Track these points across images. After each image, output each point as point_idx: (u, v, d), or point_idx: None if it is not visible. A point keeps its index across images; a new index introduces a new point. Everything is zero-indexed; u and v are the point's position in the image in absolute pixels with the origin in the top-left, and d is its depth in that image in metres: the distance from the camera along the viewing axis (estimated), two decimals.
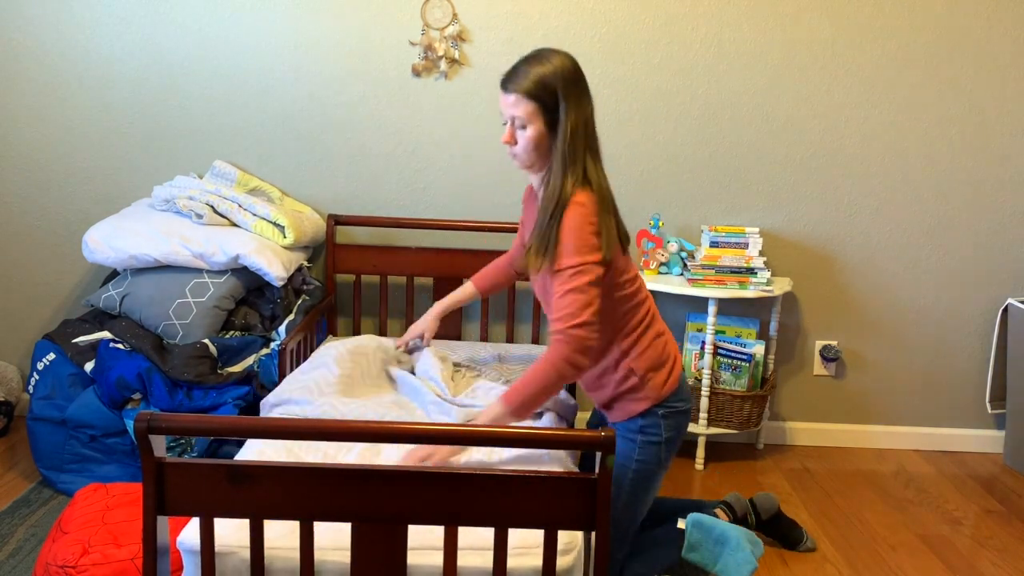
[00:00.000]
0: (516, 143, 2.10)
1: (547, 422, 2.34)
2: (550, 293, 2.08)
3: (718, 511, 2.60)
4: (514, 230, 3.25)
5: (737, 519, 2.62)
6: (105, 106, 3.29)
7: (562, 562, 1.71)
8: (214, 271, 2.93)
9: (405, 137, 3.31)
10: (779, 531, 2.71)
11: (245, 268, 2.94)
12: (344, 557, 1.69)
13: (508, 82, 2.08)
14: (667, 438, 2.23)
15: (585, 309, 1.98)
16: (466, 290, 2.72)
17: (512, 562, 1.67)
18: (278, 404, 2.42)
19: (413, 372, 2.64)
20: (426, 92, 3.27)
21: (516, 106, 2.06)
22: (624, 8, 3.22)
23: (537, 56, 2.08)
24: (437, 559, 1.68)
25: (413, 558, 1.66)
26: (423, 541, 1.69)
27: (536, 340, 3.34)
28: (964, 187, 3.36)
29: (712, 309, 3.11)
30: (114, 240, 2.92)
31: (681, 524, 2.50)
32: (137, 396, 2.72)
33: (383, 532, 1.59)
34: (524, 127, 2.07)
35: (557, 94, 2.03)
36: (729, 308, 3.36)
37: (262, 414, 2.47)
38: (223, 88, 3.27)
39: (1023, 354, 3.27)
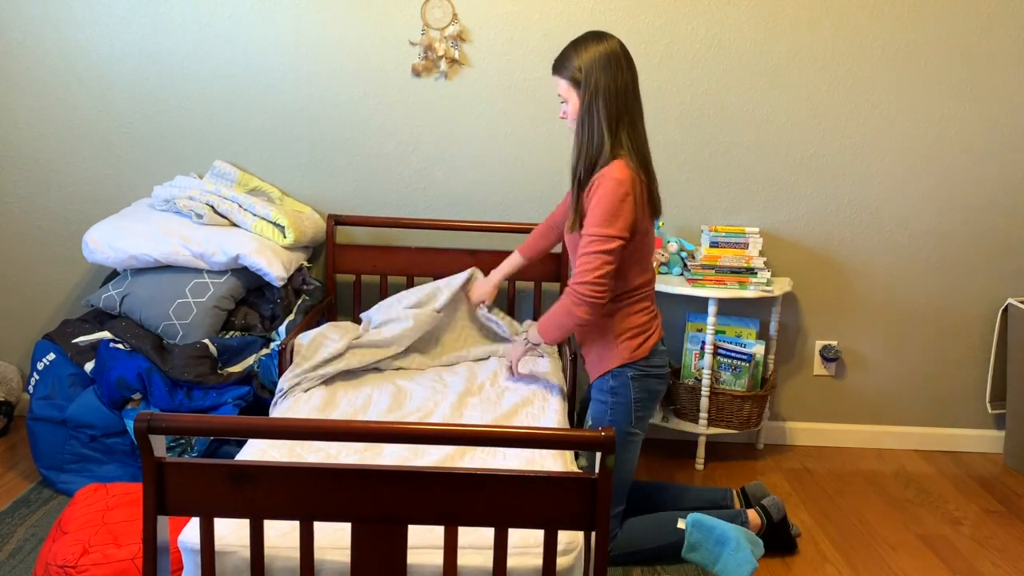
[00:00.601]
0: (568, 117, 2.40)
1: (544, 366, 2.83)
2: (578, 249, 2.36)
3: (751, 512, 2.63)
4: (514, 230, 3.25)
5: (773, 523, 2.63)
6: (105, 106, 3.29)
7: (562, 562, 1.71)
8: (214, 271, 2.93)
9: (405, 137, 3.31)
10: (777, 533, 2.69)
11: (245, 268, 2.94)
12: (344, 557, 1.69)
13: (553, 65, 2.40)
14: (636, 399, 2.41)
15: (594, 272, 2.25)
16: (515, 259, 2.89)
17: (512, 562, 1.67)
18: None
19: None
20: (426, 92, 3.27)
21: (557, 85, 2.39)
22: (624, 8, 3.22)
23: (576, 40, 2.37)
24: (437, 559, 1.68)
25: (413, 558, 1.66)
26: (423, 541, 1.70)
27: None
28: (964, 187, 3.36)
29: (712, 309, 3.11)
30: (114, 240, 2.92)
31: (681, 524, 2.50)
32: (137, 396, 2.72)
33: (383, 532, 1.59)
34: (565, 102, 2.38)
35: (581, 71, 2.30)
36: (729, 308, 3.36)
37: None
38: (223, 88, 3.27)
39: (1023, 354, 3.28)
